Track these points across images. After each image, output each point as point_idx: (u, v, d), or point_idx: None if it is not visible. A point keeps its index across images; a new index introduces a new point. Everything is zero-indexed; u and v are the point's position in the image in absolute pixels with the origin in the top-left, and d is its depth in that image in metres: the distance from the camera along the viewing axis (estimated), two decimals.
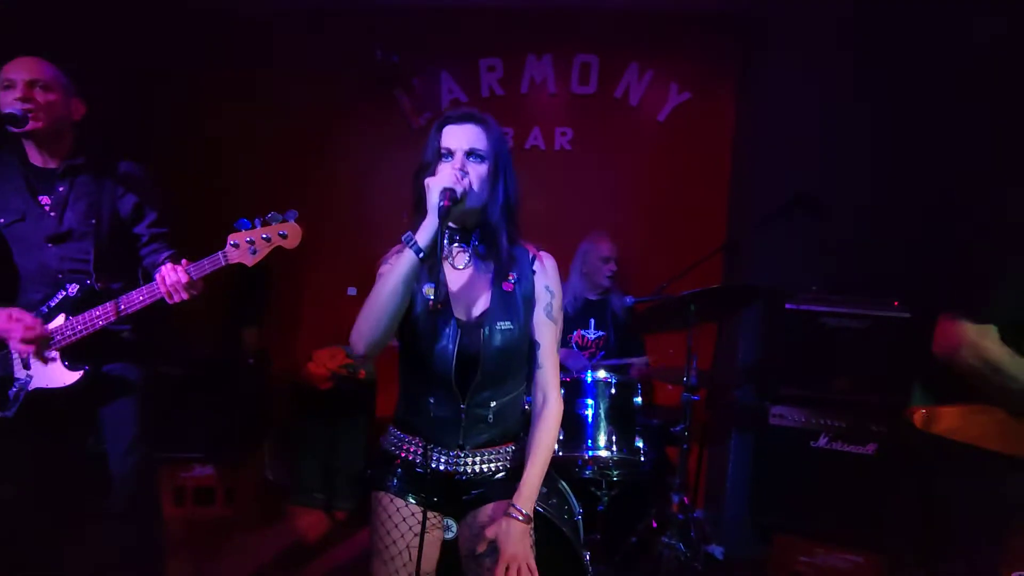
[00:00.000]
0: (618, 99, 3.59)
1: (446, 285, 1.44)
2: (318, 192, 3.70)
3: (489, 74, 3.65)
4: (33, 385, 1.88)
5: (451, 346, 1.38)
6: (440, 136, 1.41)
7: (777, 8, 3.13)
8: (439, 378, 1.39)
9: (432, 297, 1.35)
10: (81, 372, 1.89)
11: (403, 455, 1.47)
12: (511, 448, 1.50)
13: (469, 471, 1.44)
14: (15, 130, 1.78)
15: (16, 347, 1.83)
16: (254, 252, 1.77)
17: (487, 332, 1.38)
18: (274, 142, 3.74)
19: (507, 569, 1.33)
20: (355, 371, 3.39)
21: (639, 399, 2.44)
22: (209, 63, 3.70)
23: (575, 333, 3.01)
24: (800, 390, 2.72)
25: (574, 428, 2.35)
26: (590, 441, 2.33)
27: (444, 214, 1.26)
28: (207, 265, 1.80)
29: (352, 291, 3.68)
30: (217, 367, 3.31)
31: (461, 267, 1.46)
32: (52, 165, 1.90)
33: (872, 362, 2.62)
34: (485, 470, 1.46)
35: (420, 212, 1.36)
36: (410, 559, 1.41)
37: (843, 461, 2.61)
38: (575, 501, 2.24)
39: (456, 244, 1.46)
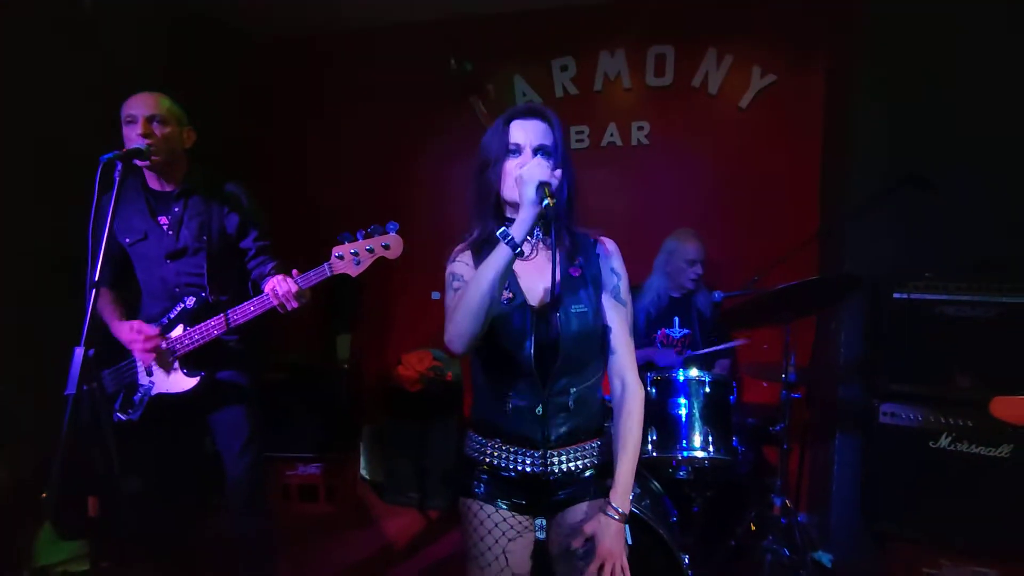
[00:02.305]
0: (696, 88, 3.47)
1: (515, 274, 1.42)
2: (401, 199, 3.84)
3: (562, 74, 3.64)
4: (155, 391, 2.05)
5: (528, 333, 1.37)
6: (508, 131, 1.41)
7: None
8: (519, 368, 1.38)
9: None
10: (198, 378, 2.05)
11: (487, 460, 1.45)
12: (597, 443, 1.46)
13: (556, 471, 1.42)
14: (140, 163, 1.95)
15: (139, 356, 2.02)
16: (358, 263, 1.86)
17: (563, 316, 1.36)
18: (357, 154, 3.93)
19: (602, 567, 1.31)
20: (443, 373, 3.48)
21: (734, 397, 2.34)
22: (293, 87, 3.95)
23: (660, 332, 2.92)
24: (914, 386, 2.49)
25: (667, 428, 2.28)
26: (684, 441, 2.26)
27: (545, 208, 1.24)
28: (313, 276, 1.91)
29: (436, 295, 3.79)
30: (315, 372, 3.51)
31: (526, 257, 1.45)
32: (168, 188, 2.08)
33: (1003, 355, 2.36)
34: (572, 468, 1.43)
35: (485, 207, 1.40)
36: (507, 564, 1.41)
37: (970, 463, 2.37)
38: (670, 502, 2.19)
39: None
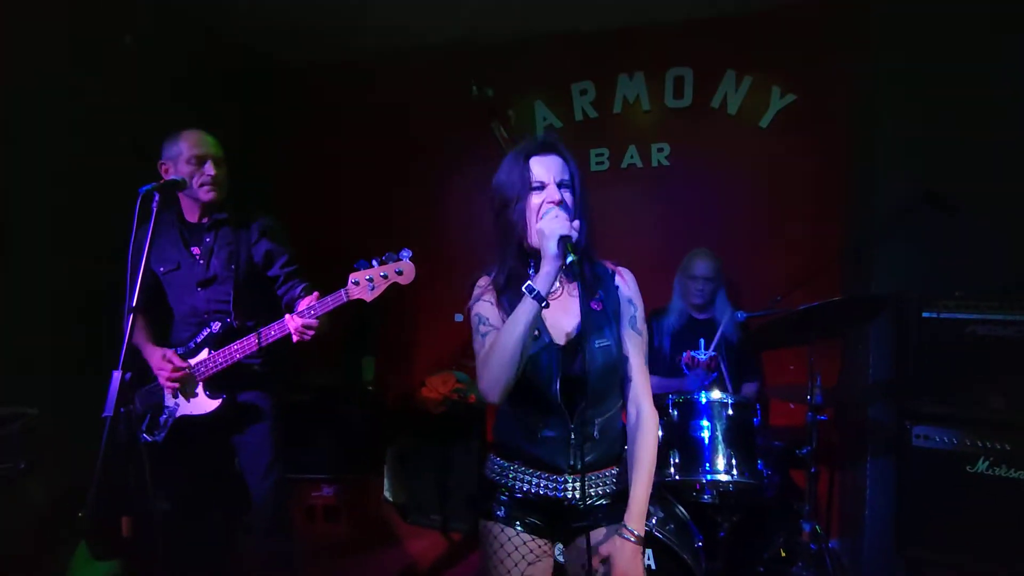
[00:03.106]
0: (715, 109, 3.49)
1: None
2: (423, 224, 3.91)
3: (582, 97, 3.69)
4: (180, 412, 2.12)
5: (555, 370, 1.40)
6: (528, 168, 1.42)
7: None
8: (545, 403, 1.41)
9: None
10: (220, 400, 2.11)
11: (507, 483, 1.48)
12: (615, 471, 1.49)
13: (571, 496, 1.43)
14: (203, 196, 2.10)
15: (165, 384, 2.09)
16: (372, 288, 1.92)
17: (589, 352, 1.39)
18: (380, 179, 4.02)
19: None
20: (466, 395, 3.50)
21: (758, 419, 2.31)
22: (315, 113, 4.08)
23: (685, 354, 2.90)
24: (947, 408, 2.43)
25: (690, 451, 2.26)
26: (708, 464, 2.23)
27: (578, 269, 1.28)
28: (330, 302, 1.97)
29: (460, 318, 3.82)
30: (339, 395, 3.56)
31: (549, 293, 1.47)
32: (203, 220, 2.18)
33: None
34: (591, 495, 1.45)
35: (507, 246, 1.43)
36: None
37: (1008, 489, 2.29)
38: (695, 527, 2.16)
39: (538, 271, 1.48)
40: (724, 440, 2.24)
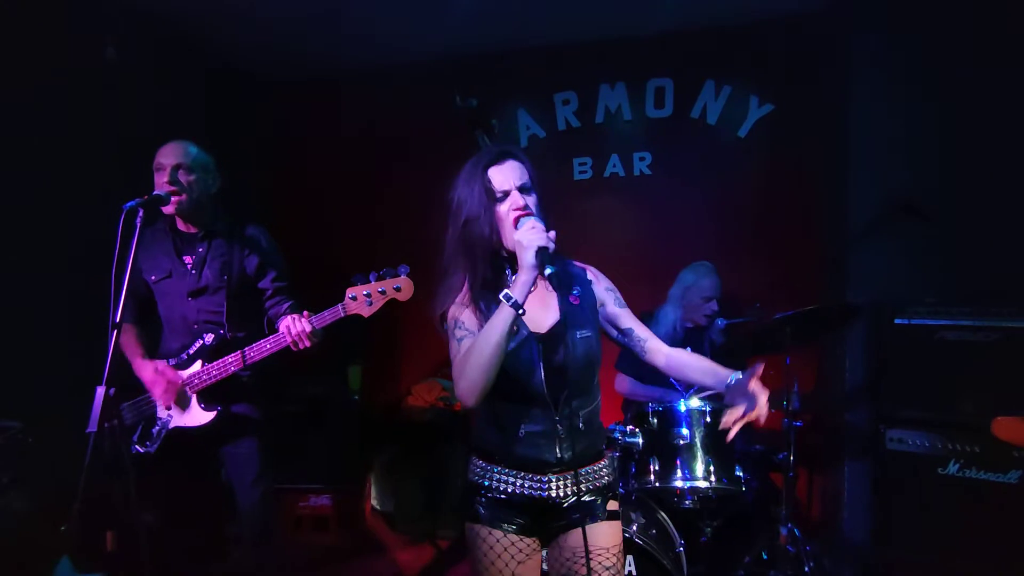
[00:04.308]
0: (695, 119, 3.55)
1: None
2: (407, 234, 3.92)
3: (564, 107, 3.74)
4: (173, 424, 2.12)
5: (537, 362, 1.42)
6: (488, 179, 1.43)
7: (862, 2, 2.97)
8: (531, 396, 1.43)
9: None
10: (214, 412, 2.11)
11: (489, 483, 1.48)
12: (603, 464, 1.52)
13: (558, 495, 1.45)
14: (165, 209, 2.08)
15: (157, 398, 2.10)
16: (370, 304, 1.95)
17: (570, 342, 1.42)
18: (364, 191, 4.04)
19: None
20: (451, 403, 3.52)
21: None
22: (300, 128, 4.10)
23: None
24: (919, 412, 2.50)
25: (670, 458, 2.31)
26: (687, 471, 2.28)
27: (554, 280, 1.33)
28: (328, 316, 1.99)
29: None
30: (326, 404, 3.56)
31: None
32: (194, 230, 2.19)
33: (1006, 379, 2.37)
34: (575, 491, 1.47)
35: (474, 255, 1.44)
36: None
37: (979, 490, 2.36)
38: (676, 532, 2.20)
39: (513, 271, 1.49)
40: (703, 447, 2.29)
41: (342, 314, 1.98)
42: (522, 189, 1.43)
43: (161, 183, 2.07)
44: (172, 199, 2.05)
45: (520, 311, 1.32)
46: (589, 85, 3.70)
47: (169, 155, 2.09)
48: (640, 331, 1.57)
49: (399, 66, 3.90)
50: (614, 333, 1.60)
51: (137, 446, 2.12)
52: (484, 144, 3.82)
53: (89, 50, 2.96)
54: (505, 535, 1.47)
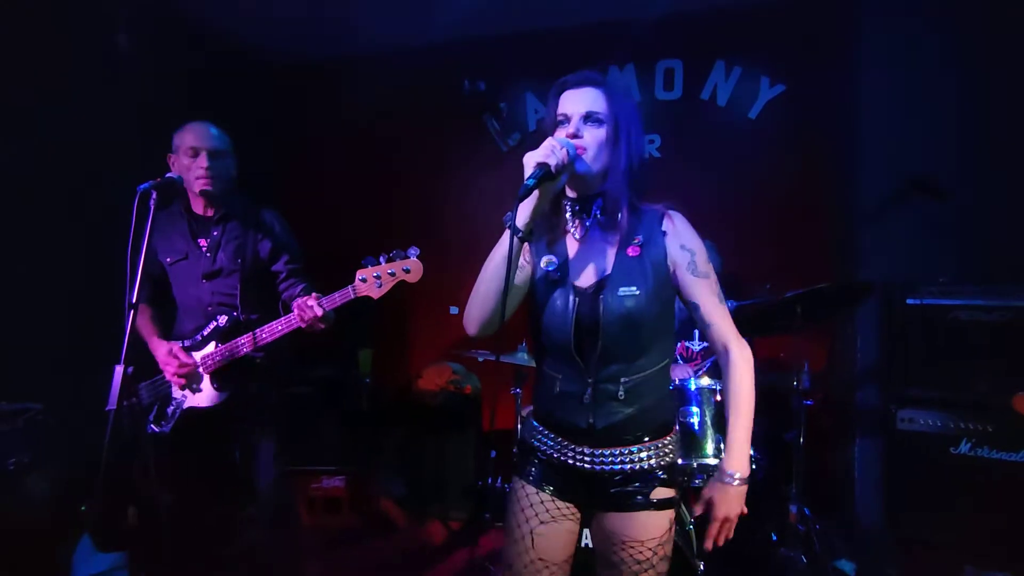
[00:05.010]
0: (705, 101, 3.52)
1: (566, 255, 1.38)
2: (417, 216, 3.94)
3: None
4: (187, 404, 2.15)
5: (569, 315, 1.31)
6: (558, 103, 1.34)
7: None
8: (561, 350, 1.33)
9: (549, 268, 1.34)
10: (227, 393, 2.14)
11: (537, 444, 1.42)
12: (656, 445, 1.35)
13: (605, 470, 1.34)
14: (199, 190, 2.11)
15: (170, 378, 2.13)
16: (380, 286, 1.96)
17: (607, 298, 1.30)
18: (374, 174, 4.05)
19: (721, 530, 1.33)
20: (462, 386, 3.55)
21: None
22: (310, 111, 4.10)
23: (679, 345, 2.95)
24: (931, 392, 2.50)
25: (681, 436, 2.31)
26: (698, 449, 2.29)
27: (525, 192, 1.19)
28: (338, 298, 2.01)
29: (454, 310, 3.87)
30: (337, 387, 3.59)
31: (580, 237, 1.39)
32: (210, 213, 2.21)
33: (1018, 359, 2.36)
34: (624, 471, 1.34)
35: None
36: (531, 545, 1.39)
37: (992, 469, 2.36)
38: (687, 510, 2.22)
39: (576, 216, 1.39)
40: (713, 425, 2.29)
41: (352, 295, 1.99)
42: (589, 117, 1.31)
43: (194, 167, 2.09)
44: (206, 183, 2.09)
45: (519, 235, 1.23)
46: (598, 68, 3.63)
47: (200, 138, 2.11)
48: (706, 314, 1.34)
49: (407, 50, 3.89)
50: (681, 303, 1.39)
51: (152, 426, 2.15)
52: (493, 128, 3.81)
53: (93, 37, 2.97)
54: (538, 493, 1.40)
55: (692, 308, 1.37)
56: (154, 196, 1.80)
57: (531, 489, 1.42)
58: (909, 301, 2.55)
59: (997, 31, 2.61)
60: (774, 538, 2.58)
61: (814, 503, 2.80)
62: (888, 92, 2.86)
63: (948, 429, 2.44)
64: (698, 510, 1.35)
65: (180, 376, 2.10)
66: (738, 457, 1.32)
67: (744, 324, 2.80)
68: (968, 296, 2.47)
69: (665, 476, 1.35)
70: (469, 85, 3.71)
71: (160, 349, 2.12)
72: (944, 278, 2.54)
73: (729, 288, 3.08)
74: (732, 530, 1.33)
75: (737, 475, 1.31)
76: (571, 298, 1.33)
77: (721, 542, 1.35)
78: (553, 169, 1.20)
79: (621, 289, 1.30)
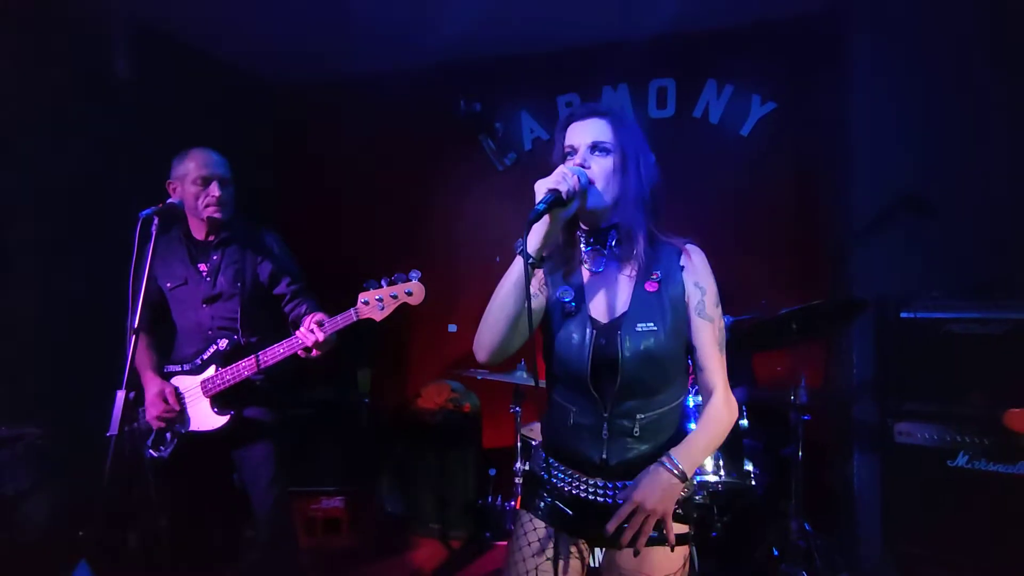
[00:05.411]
0: (698, 119, 3.57)
1: (581, 287, 1.37)
2: (416, 236, 3.98)
3: (567, 110, 3.77)
4: (187, 428, 2.15)
5: (586, 349, 1.30)
6: (564, 135, 1.36)
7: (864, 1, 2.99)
8: (577, 384, 1.32)
9: (565, 299, 1.33)
10: (228, 416, 2.14)
11: (547, 477, 1.40)
12: None
13: (602, 501, 1.33)
14: (214, 216, 2.14)
15: (150, 419, 2.12)
16: (382, 308, 1.99)
17: (626, 334, 1.28)
18: (371, 196, 4.09)
19: (633, 514, 1.21)
20: (461, 405, 3.55)
21: (745, 421, 2.38)
22: (306, 134, 4.16)
23: None
24: (928, 405, 2.51)
25: None
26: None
27: (535, 216, 1.18)
28: (340, 321, 2.03)
29: (453, 328, 3.89)
30: (336, 407, 3.60)
31: (598, 270, 1.38)
32: (211, 238, 2.23)
33: (1013, 371, 2.37)
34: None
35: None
36: None
37: (990, 482, 2.37)
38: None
39: (591, 247, 1.39)
40: None
41: (354, 318, 2.01)
42: (596, 147, 1.32)
43: (205, 195, 2.12)
44: (216, 210, 2.13)
45: (531, 262, 1.21)
46: (592, 87, 3.72)
47: (209, 167, 2.14)
48: (705, 357, 1.32)
49: (403, 70, 3.94)
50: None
51: (151, 450, 2.15)
52: (489, 148, 3.86)
53: (92, 57, 3.01)
54: (545, 528, 1.38)
55: (690, 348, 1.36)
56: (156, 222, 1.83)
57: (538, 523, 1.40)
58: (903, 315, 2.57)
59: (985, 50, 2.66)
60: (775, 553, 2.58)
61: (814, 518, 2.80)
62: (878, 110, 2.90)
63: (945, 442, 2.45)
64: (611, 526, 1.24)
65: (160, 420, 2.10)
66: (686, 454, 1.26)
67: (740, 339, 2.87)
68: (961, 309, 2.49)
69: (680, 512, 1.33)
70: (465, 106, 3.75)
71: (152, 387, 2.12)
72: (937, 292, 2.57)
73: (724, 303, 3.12)
74: (645, 528, 1.20)
75: (679, 464, 1.24)
76: (588, 331, 1.31)
77: (625, 535, 1.21)
78: (564, 195, 1.20)
79: (639, 325, 1.29)
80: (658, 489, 1.22)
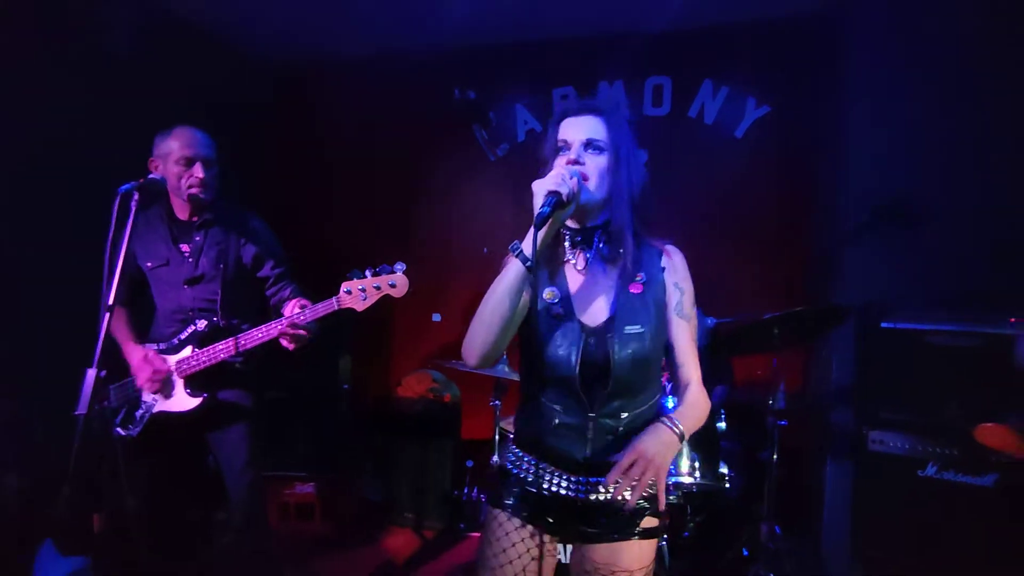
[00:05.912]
0: (693, 119, 3.57)
1: (567, 289, 1.36)
2: (403, 224, 3.94)
3: (562, 102, 3.74)
4: (157, 408, 2.12)
5: (575, 352, 1.30)
6: (558, 130, 1.34)
7: (861, 6, 3.00)
8: (564, 386, 1.32)
9: (552, 301, 1.32)
10: (201, 399, 2.11)
11: (520, 474, 1.39)
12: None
13: (593, 499, 1.34)
14: (200, 196, 2.09)
15: (141, 384, 2.09)
16: (364, 299, 1.96)
17: (615, 337, 1.29)
18: (361, 182, 4.03)
19: (632, 466, 1.20)
20: (441, 395, 3.54)
21: (722, 424, 2.40)
22: (295, 117, 4.08)
23: None
24: (902, 415, 2.54)
25: None
26: (672, 467, 2.31)
27: (541, 221, 1.18)
28: (321, 309, 2.00)
29: (437, 318, 3.86)
30: (316, 393, 3.56)
31: (582, 269, 1.38)
32: (194, 219, 2.18)
33: (987, 384, 2.41)
34: (611, 500, 1.32)
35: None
36: None
37: (957, 492, 2.41)
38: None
39: (577, 246, 1.38)
40: (688, 443, 2.31)
41: (335, 307, 1.99)
42: (589, 145, 1.31)
43: (188, 175, 2.07)
44: (200, 191, 2.08)
45: (528, 264, 1.20)
46: (587, 81, 3.70)
47: (193, 146, 2.08)
48: (681, 354, 1.36)
49: (398, 58, 3.89)
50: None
51: (119, 428, 2.12)
52: (481, 138, 3.82)
53: (88, 38, 2.93)
54: (524, 527, 1.38)
55: (667, 347, 1.38)
56: (136, 197, 1.78)
57: (516, 522, 1.39)
58: (884, 325, 2.60)
59: (978, 58, 2.68)
60: (745, 554, 2.61)
61: (785, 521, 2.84)
62: (871, 117, 2.92)
63: (916, 452, 2.49)
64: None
65: (152, 382, 2.07)
66: (685, 418, 1.29)
67: (722, 342, 2.88)
68: (941, 321, 2.52)
69: (650, 507, 1.36)
70: (459, 94, 3.71)
71: (135, 354, 2.09)
72: (919, 303, 2.60)
73: (707, 305, 3.14)
74: (642, 481, 1.20)
75: (679, 424, 1.27)
76: (577, 334, 1.32)
77: (619, 481, 1.22)
78: (565, 198, 1.20)
79: (627, 328, 1.30)
80: (659, 442, 1.24)
